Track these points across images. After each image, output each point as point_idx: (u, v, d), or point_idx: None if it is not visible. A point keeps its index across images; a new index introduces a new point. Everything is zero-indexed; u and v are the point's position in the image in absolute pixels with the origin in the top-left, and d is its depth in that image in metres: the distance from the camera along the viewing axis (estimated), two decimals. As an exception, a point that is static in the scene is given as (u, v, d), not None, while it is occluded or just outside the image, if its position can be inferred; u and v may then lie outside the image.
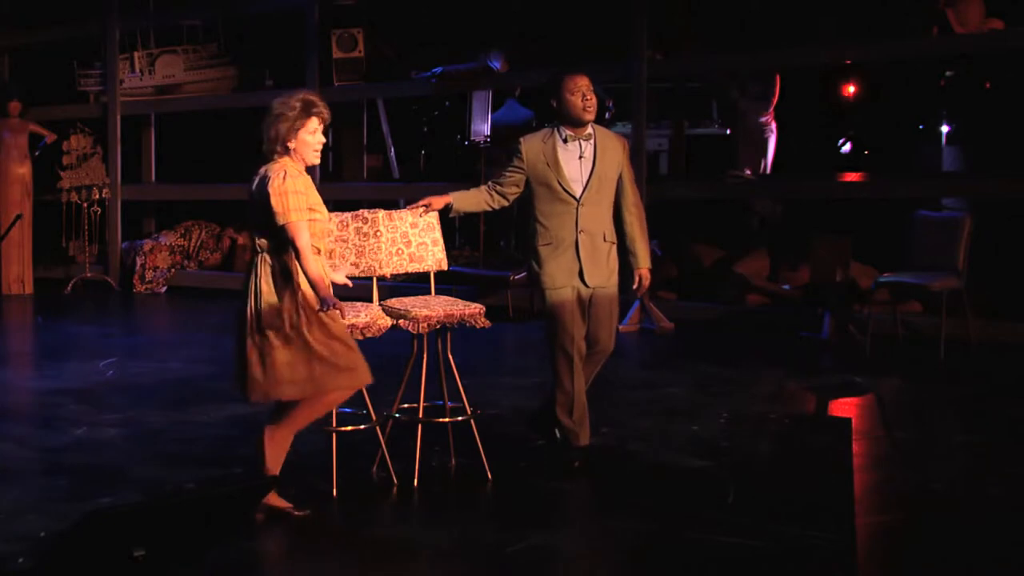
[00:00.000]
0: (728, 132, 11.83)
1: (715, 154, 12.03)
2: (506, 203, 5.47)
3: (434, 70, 10.81)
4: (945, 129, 11.70)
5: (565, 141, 5.33)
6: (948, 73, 11.23)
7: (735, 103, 10.85)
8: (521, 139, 5.43)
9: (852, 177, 10.28)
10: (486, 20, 11.08)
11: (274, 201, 4.41)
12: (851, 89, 11.52)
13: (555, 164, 5.30)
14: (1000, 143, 10.26)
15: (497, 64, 10.65)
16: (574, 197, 5.30)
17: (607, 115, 11.90)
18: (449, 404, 5.35)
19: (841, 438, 5.95)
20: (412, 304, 5.15)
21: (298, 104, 4.51)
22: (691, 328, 9.25)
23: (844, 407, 6.97)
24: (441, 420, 5.28)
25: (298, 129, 4.50)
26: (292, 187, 4.43)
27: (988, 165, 10.46)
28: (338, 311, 4.50)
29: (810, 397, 7.24)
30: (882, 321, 8.42)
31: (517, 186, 5.39)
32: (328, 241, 4.85)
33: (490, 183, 5.48)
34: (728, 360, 8.01)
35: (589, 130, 5.37)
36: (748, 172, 10.20)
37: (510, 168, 5.40)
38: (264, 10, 11.91)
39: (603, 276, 5.33)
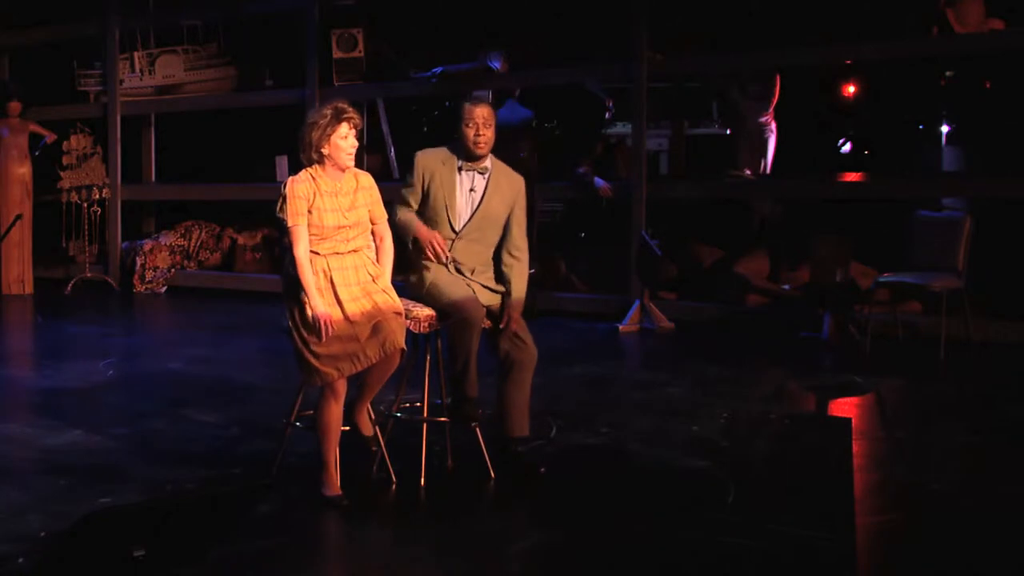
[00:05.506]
0: (728, 132, 11.82)
1: (715, 154, 12.02)
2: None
3: (434, 70, 10.81)
4: (945, 129, 11.69)
5: (460, 170, 5.20)
6: (948, 73, 11.23)
7: (735, 103, 10.84)
8: (418, 153, 5.29)
9: (852, 177, 10.27)
10: (486, 20, 11.08)
11: (279, 206, 4.70)
12: (851, 89, 11.51)
13: (448, 191, 5.17)
14: (1000, 143, 10.25)
15: (497, 64, 10.65)
16: (453, 230, 5.19)
17: (607, 115, 11.92)
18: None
19: (841, 438, 5.95)
20: (413, 304, 5.15)
21: (329, 111, 4.71)
22: (691, 328, 9.25)
23: (844, 407, 6.97)
24: (443, 419, 5.28)
25: (330, 135, 4.70)
26: (291, 192, 4.68)
27: (988, 165, 10.46)
28: (323, 328, 4.58)
29: (810, 397, 7.24)
30: (882, 321, 8.42)
31: (417, 201, 5.27)
32: (327, 245, 4.73)
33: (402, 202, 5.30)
34: (728, 360, 8.01)
35: (486, 164, 5.20)
36: (748, 172, 10.21)
37: (408, 186, 5.27)
38: (264, 10, 11.89)
39: (489, 295, 5.22)
